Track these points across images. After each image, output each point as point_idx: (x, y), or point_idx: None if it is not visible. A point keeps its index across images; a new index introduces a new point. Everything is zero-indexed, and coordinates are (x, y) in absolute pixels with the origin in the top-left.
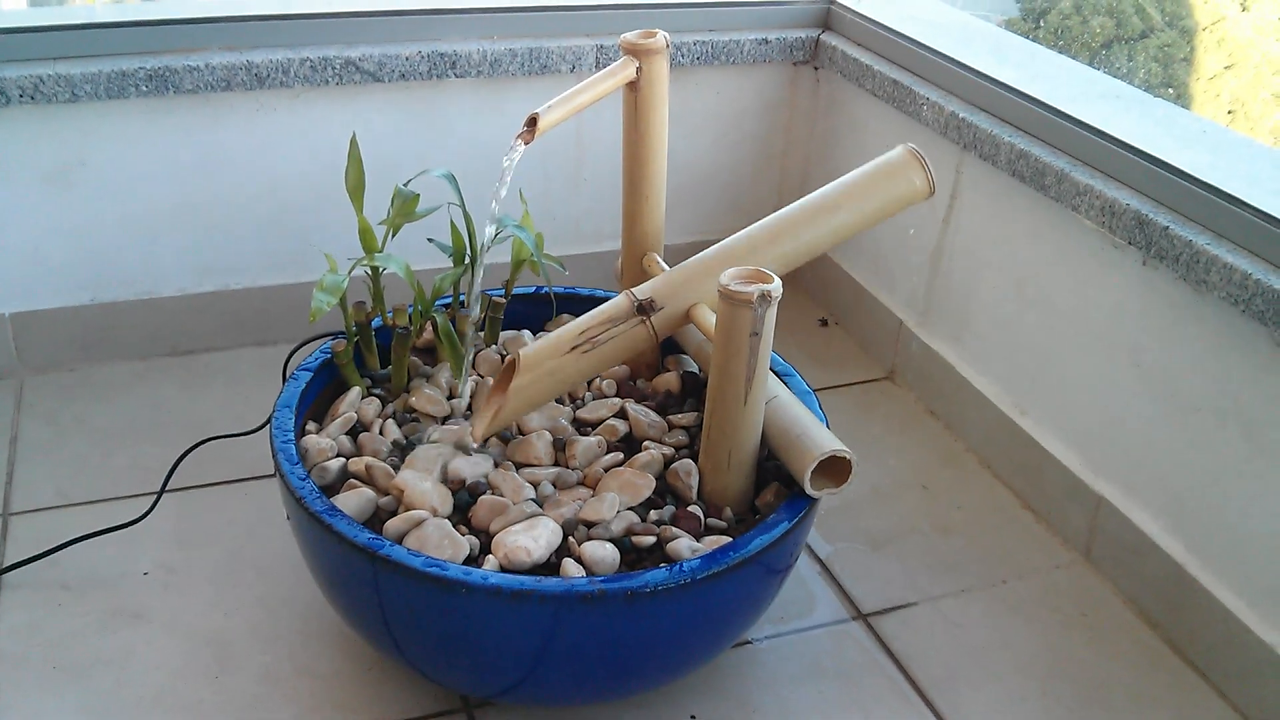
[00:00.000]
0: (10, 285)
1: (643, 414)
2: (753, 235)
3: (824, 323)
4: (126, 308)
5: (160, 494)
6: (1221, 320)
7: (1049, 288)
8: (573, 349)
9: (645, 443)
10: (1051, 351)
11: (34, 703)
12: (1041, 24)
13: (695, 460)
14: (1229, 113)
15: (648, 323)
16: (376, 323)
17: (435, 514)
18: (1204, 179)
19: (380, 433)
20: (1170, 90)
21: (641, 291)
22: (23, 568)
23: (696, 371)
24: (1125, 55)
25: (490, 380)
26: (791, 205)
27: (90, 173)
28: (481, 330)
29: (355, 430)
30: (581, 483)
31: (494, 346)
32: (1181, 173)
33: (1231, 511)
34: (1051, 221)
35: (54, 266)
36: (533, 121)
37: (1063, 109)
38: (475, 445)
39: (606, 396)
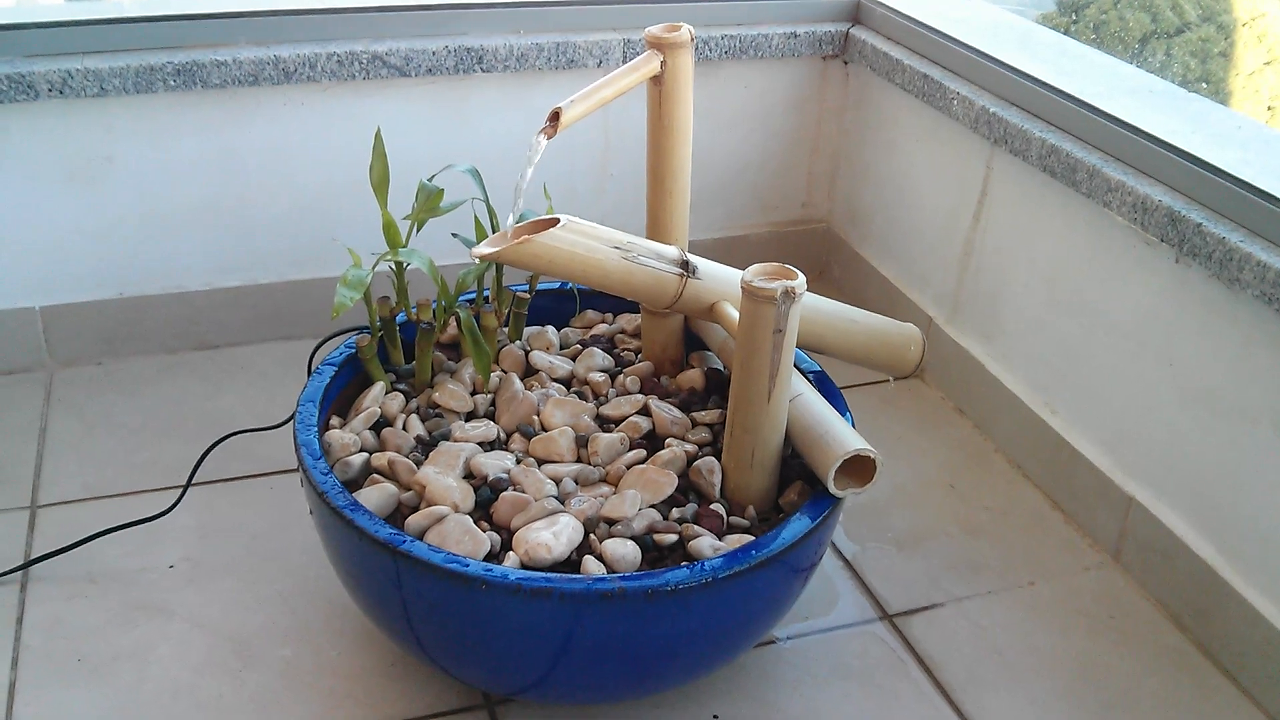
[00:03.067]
0: (39, 279)
1: (666, 411)
2: None
3: None
4: (153, 302)
5: (185, 488)
6: (1255, 319)
7: (1080, 285)
8: (615, 247)
9: (668, 440)
10: (1082, 350)
11: (57, 695)
12: (1078, 18)
13: (718, 458)
14: (1268, 109)
15: (681, 280)
16: (400, 318)
17: (457, 510)
18: (1238, 175)
19: (404, 428)
20: (1206, 86)
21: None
22: (49, 560)
23: (720, 368)
24: (1163, 50)
25: (514, 375)
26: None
27: (118, 167)
28: (506, 326)
29: (379, 425)
30: (603, 480)
31: (518, 342)
32: (1215, 169)
33: (1264, 513)
34: (1083, 218)
35: (82, 261)
36: (555, 116)
37: (1095, 104)
38: (473, 257)
39: (630, 393)
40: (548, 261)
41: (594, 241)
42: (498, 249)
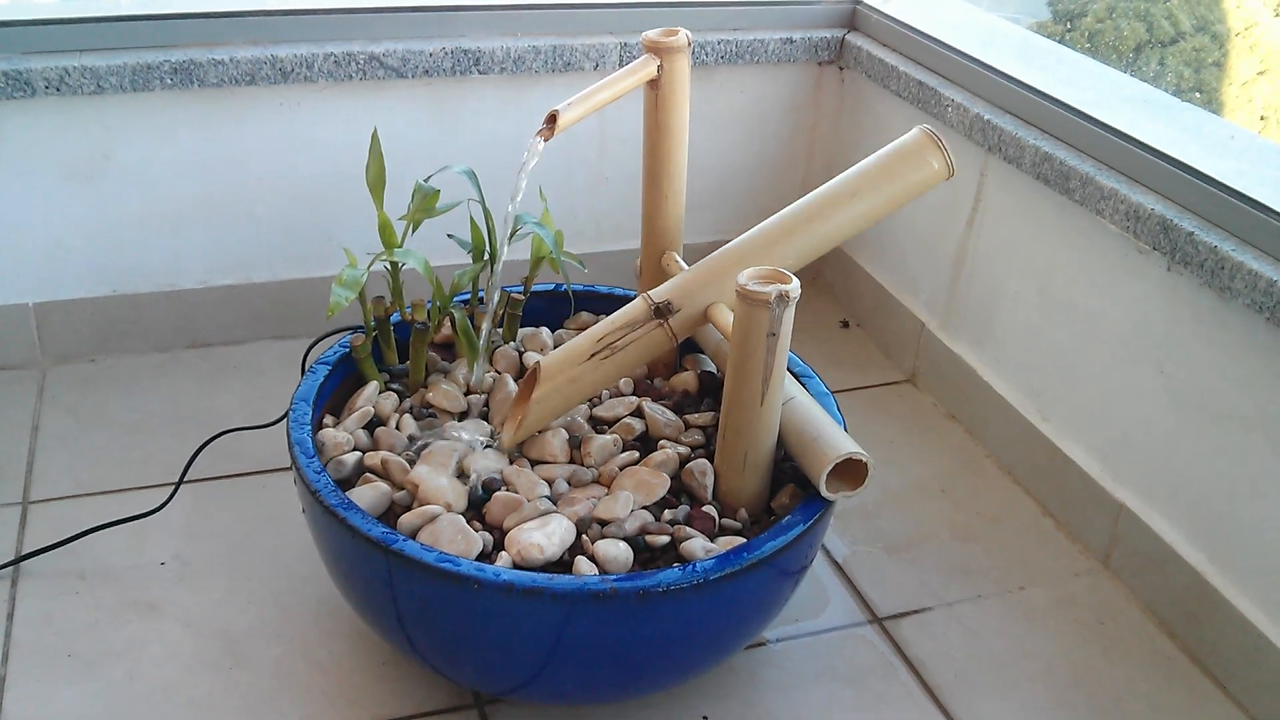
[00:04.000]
0: (33, 276)
1: (659, 413)
2: (768, 230)
3: (845, 324)
4: (148, 300)
5: (178, 485)
6: (1246, 327)
7: (1072, 292)
8: (591, 356)
9: (661, 442)
10: (1074, 357)
11: (47, 691)
12: (1073, 26)
13: (711, 460)
14: (1261, 119)
15: (666, 325)
16: (395, 318)
17: (449, 509)
18: (1230, 185)
19: (397, 427)
20: (1199, 95)
21: (659, 294)
22: (40, 556)
23: (714, 371)
24: (1157, 59)
25: (508, 376)
26: (808, 196)
27: (114, 165)
28: (500, 327)
29: (372, 425)
30: (596, 481)
31: (512, 343)
32: (1208, 178)
33: (1255, 521)
34: (1076, 225)
35: (77, 258)
36: (552, 119)
37: (1089, 112)
38: (506, 453)
39: (623, 395)
40: (556, 411)
41: (573, 370)
42: (516, 437)
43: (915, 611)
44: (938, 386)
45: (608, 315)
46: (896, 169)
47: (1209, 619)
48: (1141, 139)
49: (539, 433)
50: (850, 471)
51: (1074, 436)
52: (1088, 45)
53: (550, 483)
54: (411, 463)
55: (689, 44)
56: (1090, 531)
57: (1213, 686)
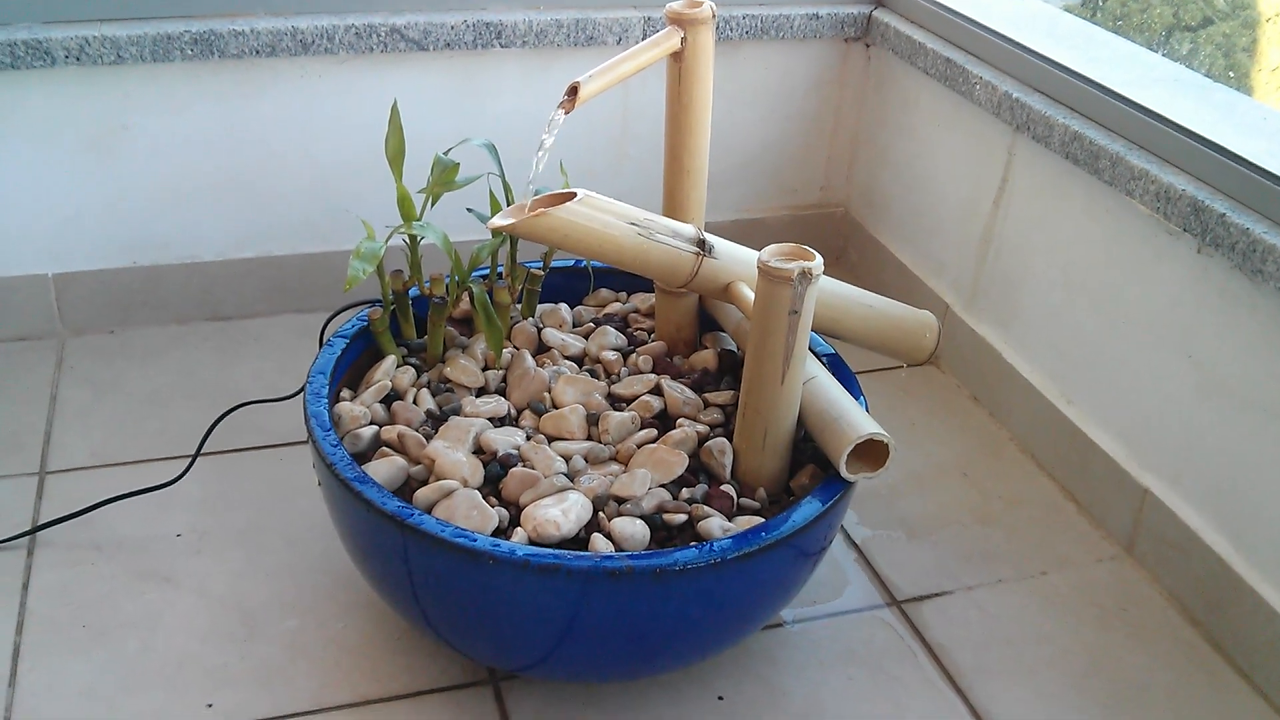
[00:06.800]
0: (53, 247)
1: (678, 391)
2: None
3: None
4: (166, 272)
5: (195, 458)
6: (1277, 311)
7: (1100, 274)
8: (631, 223)
9: (679, 420)
10: (1100, 339)
11: (61, 662)
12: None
13: (730, 439)
14: None
15: (698, 259)
16: (413, 292)
17: (466, 485)
18: (1264, 166)
19: (414, 402)
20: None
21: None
22: (56, 526)
23: (734, 349)
24: (1186, 42)
25: (525, 352)
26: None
27: (133, 135)
28: (519, 303)
29: (389, 399)
30: (614, 458)
31: (531, 319)
32: (1240, 159)
33: None
34: (1105, 206)
35: (96, 229)
36: (574, 91)
37: (1119, 91)
38: (489, 229)
39: (642, 372)
40: (562, 236)
41: (610, 217)
42: (513, 221)
43: (935, 595)
44: (961, 368)
45: (627, 292)
46: (897, 322)
47: (1233, 607)
48: (1173, 119)
49: (556, 408)
50: (871, 452)
51: (1098, 420)
52: (1117, 26)
53: (567, 459)
54: (428, 437)
55: (713, 16)
56: (1113, 517)
57: (1235, 676)
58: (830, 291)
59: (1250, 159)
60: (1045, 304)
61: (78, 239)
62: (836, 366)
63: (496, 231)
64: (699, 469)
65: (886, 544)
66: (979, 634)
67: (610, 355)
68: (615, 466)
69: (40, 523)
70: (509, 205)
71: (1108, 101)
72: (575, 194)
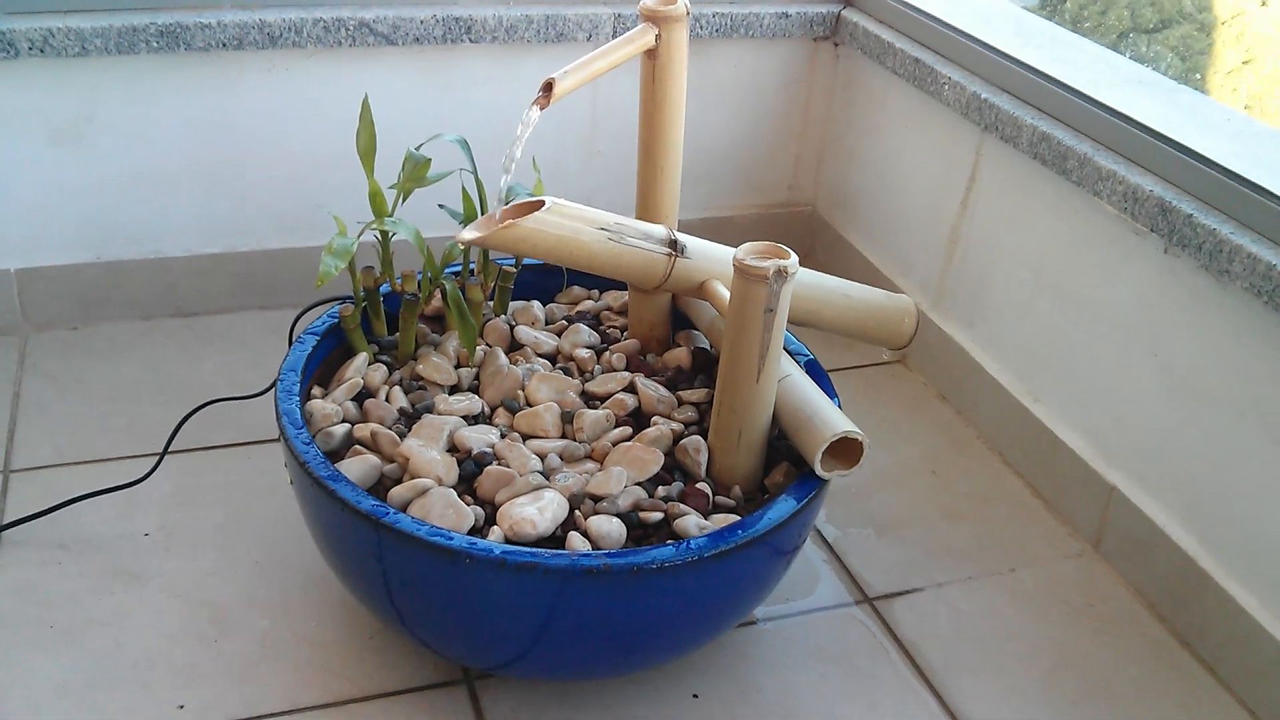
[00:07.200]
0: (16, 241)
1: (652, 389)
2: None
3: None
4: (132, 267)
5: (162, 455)
6: (1243, 311)
7: (1067, 273)
8: (601, 229)
9: (654, 418)
10: (1067, 338)
11: (29, 662)
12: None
13: (705, 437)
14: (1246, 108)
15: (670, 260)
16: (385, 288)
17: (440, 483)
18: (1229, 167)
19: (386, 399)
20: (1188, 82)
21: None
22: (22, 526)
23: (708, 347)
24: (1144, 45)
25: (499, 349)
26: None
27: (98, 129)
28: (491, 300)
29: (361, 396)
30: (589, 456)
31: (503, 316)
32: (1207, 160)
33: (1247, 506)
34: (1072, 206)
35: (60, 223)
36: (549, 87)
37: (1088, 92)
38: (459, 243)
39: (616, 370)
40: (533, 245)
41: (580, 224)
42: (483, 234)
43: (905, 592)
44: (928, 367)
45: (599, 290)
46: (876, 310)
47: (1199, 602)
48: (1140, 120)
49: (530, 406)
50: (845, 451)
51: (1065, 419)
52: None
53: (542, 457)
54: (402, 435)
55: (687, 13)
56: (1080, 514)
57: (1201, 670)
58: (807, 283)
59: (1217, 160)
60: (1013, 303)
61: (41, 233)
62: (809, 365)
63: (467, 244)
64: (674, 467)
65: (857, 542)
66: (949, 630)
67: (584, 353)
68: (590, 465)
69: (5, 522)
70: (481, 204)
71: (1075, 102)
72: (544, 202)
